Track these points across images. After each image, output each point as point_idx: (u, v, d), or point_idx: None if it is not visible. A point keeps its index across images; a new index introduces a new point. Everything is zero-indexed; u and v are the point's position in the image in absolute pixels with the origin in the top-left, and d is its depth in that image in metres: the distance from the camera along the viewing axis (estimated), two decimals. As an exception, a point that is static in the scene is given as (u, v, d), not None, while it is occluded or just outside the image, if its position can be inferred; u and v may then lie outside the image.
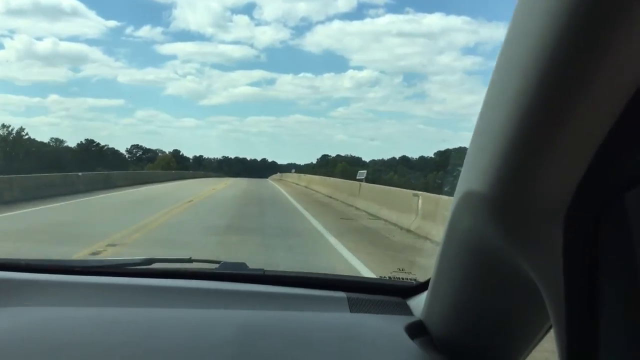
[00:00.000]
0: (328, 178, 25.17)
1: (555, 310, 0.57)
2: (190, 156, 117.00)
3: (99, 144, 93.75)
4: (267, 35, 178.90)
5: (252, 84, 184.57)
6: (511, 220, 0.61)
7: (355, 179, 19.42)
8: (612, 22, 0.42)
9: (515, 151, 0.55)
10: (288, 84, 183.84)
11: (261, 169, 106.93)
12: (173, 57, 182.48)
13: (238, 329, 1.05)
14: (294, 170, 52.29)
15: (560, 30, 0.46)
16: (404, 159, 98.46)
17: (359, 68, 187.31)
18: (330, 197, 19.93)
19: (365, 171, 17.73)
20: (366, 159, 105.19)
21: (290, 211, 14.42)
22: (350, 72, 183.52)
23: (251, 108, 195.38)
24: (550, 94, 0.49)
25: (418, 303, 1.22)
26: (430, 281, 0.97)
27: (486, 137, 0.62)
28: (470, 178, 0.67)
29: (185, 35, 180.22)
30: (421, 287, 1.30)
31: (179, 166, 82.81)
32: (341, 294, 1.32)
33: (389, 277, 1.52)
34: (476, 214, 0.69)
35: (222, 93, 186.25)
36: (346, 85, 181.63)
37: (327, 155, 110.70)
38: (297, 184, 34.43)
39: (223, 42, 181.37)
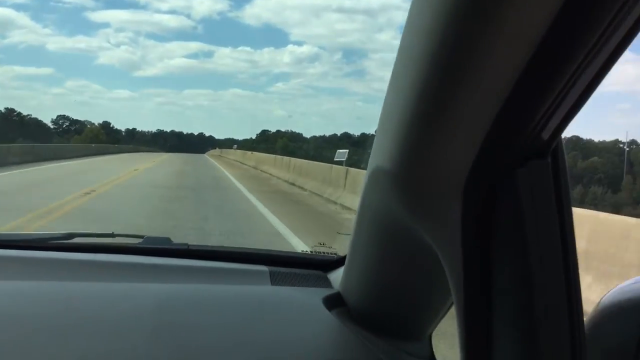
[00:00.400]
0: (288, 158, 19.56)
1: (454, 284, 0.59)
2: (123, 129, 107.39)
3: (20, 113, 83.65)
4: (204, 6, 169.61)
5: (189, 56, 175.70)
6: (413, 196, 0.64)
7: (326, 160, 14.55)
8: (496, 3, 0.44)
9: (413, 130, 0.58)
10: (226, 57, 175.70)
11: (198, 143, 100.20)
12: (105, 25, 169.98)
13: (159, 301, 1.05)
14: (235, 146, 46.50)
15: (449, 12, 0.48)
16: (346, 135, 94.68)
17: (299, 43, 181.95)
18: (294, 184, 14.84)
19: (347, 151, 12.70)
20: (307, 135, 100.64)
21: (247, 215, 8.98)
22: (290, 47, 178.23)
23: (188, 81, 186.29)
24: (441, 78, 0.52)
25: (337, 276, 1.20)
26: (347, 254, 1.00)
27: (389, 117, 0.65)
28: (377, 156, 0.70)
29: (119, 3, 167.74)
30: (341, 260, 1.28)
31: (109, 139, 76.67)
32: (264, 268, 1.31)
33: (311, 252, 1.53)
34: (383, 190, 0.72)
35: (158, 64, 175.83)
36: (285, 60, 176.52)
37: (267, 130, 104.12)
38: (242, 163, 28.89)
39: (158, 11, 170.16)
